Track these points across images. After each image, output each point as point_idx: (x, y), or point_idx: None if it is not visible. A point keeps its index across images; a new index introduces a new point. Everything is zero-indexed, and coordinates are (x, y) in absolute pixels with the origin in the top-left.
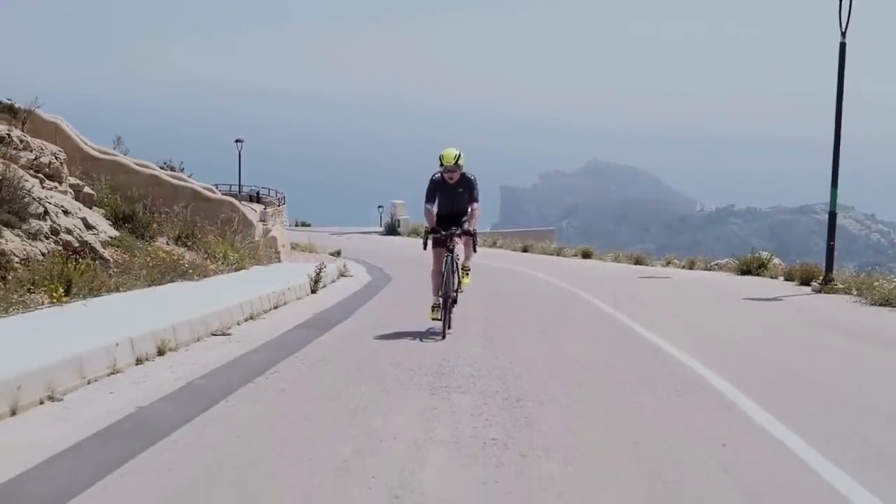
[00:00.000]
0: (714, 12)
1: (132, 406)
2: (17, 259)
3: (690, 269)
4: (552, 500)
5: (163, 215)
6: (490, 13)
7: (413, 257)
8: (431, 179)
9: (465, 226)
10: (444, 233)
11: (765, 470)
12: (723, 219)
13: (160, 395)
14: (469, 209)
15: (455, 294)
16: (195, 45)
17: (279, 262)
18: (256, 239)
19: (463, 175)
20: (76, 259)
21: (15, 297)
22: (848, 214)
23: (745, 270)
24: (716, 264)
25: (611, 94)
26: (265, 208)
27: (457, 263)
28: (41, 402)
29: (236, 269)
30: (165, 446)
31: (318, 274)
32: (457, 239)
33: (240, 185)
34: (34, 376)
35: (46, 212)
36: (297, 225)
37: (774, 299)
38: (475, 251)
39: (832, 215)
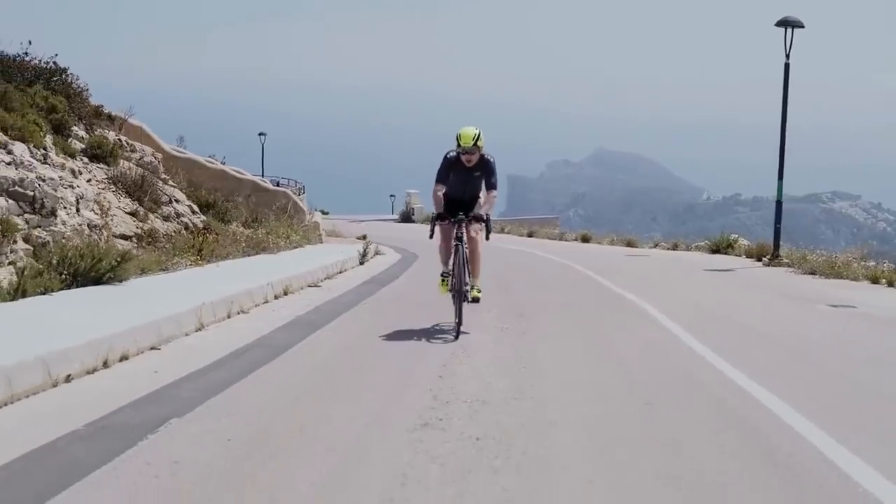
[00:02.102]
0: (719, 3)
1: (292, 315)
2: (161, 234)
3: (674, 249)
4: (540, 344)
5: (231, 203)
6: (497, 4)
7: (431, 240)
8: (445, 157)
9: (478, 210)
10: (452, 219)
11: (659, 343)
12: (729, 207)
13: (304, 312)
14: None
15: (467, 288)
16: (198, 39)
17: (322, 242)
18: (306, 223)
19: (482, 157)
20: (202, 235)
21: (175, 259)
22: (855, 203)
23: (716, 250)
24: (695, 246)
25: (617, 84)
26: None
27: (467, 257)
28: (239, 313)
29: (294, 248)
30: (324, 329)
31: (364, 250)
32: (466, 227)
33: (262, 175)
34: (233, 298)
35: (171, 200)
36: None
37: (727, 270)
38: (487, 238)
39: (779, 203)
